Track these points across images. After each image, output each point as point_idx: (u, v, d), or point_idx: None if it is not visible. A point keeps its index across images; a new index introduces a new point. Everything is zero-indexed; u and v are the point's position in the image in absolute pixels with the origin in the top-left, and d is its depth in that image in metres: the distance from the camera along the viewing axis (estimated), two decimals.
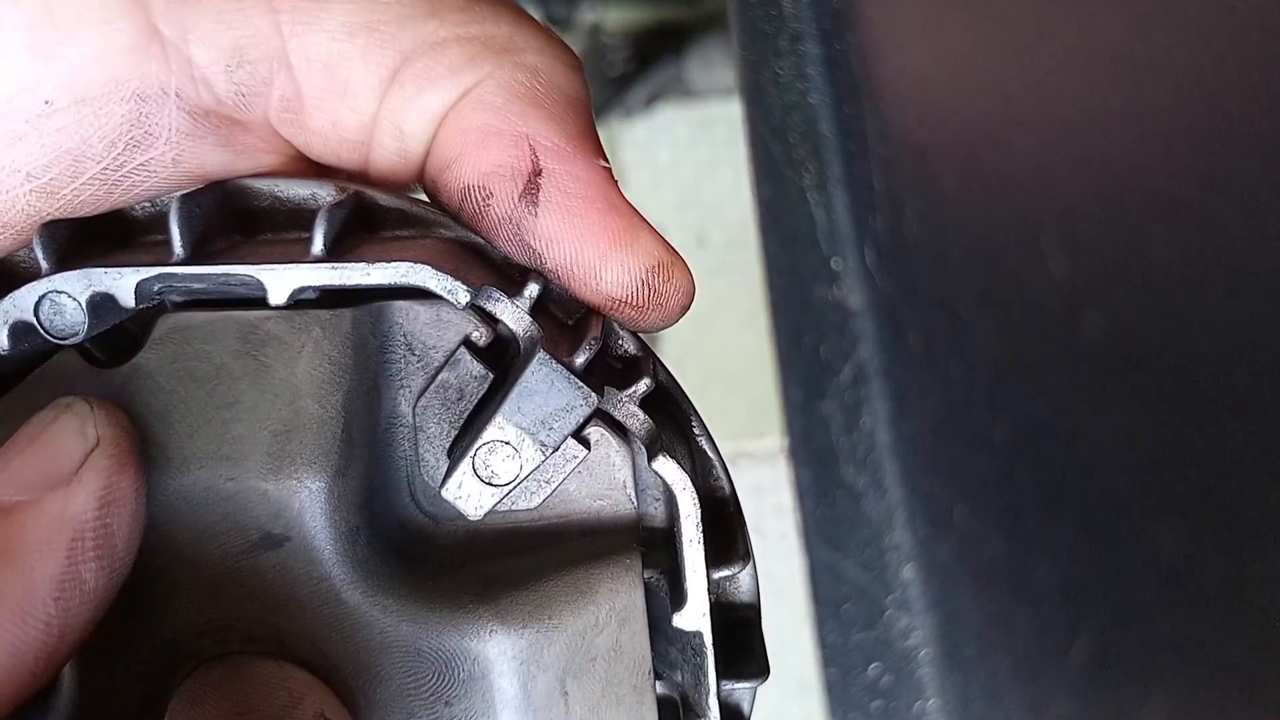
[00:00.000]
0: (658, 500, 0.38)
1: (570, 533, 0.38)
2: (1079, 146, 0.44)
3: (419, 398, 0.37)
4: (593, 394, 0.34)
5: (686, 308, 0.37)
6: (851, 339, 0.42)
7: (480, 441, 0.35)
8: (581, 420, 0.35)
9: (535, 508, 0.37)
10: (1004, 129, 0.43)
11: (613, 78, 1.79)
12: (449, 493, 0.36)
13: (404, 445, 0.37)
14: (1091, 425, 0.47)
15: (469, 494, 0.36)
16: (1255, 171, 0.41)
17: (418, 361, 0.37)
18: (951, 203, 0.43)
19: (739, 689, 0.39)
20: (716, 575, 0.38)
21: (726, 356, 1.65)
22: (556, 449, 0.35)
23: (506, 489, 0.36)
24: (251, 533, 0.35)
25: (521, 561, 0.38)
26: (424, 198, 0.38)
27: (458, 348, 0.36)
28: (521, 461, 0.35)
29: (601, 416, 0.36)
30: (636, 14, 1.81)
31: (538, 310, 0.35)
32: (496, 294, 0.35)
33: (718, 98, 1.76)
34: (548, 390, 0.35)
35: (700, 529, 0.36)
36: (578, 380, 0.34)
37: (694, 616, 0.37)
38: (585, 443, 0.36)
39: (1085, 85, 0.44)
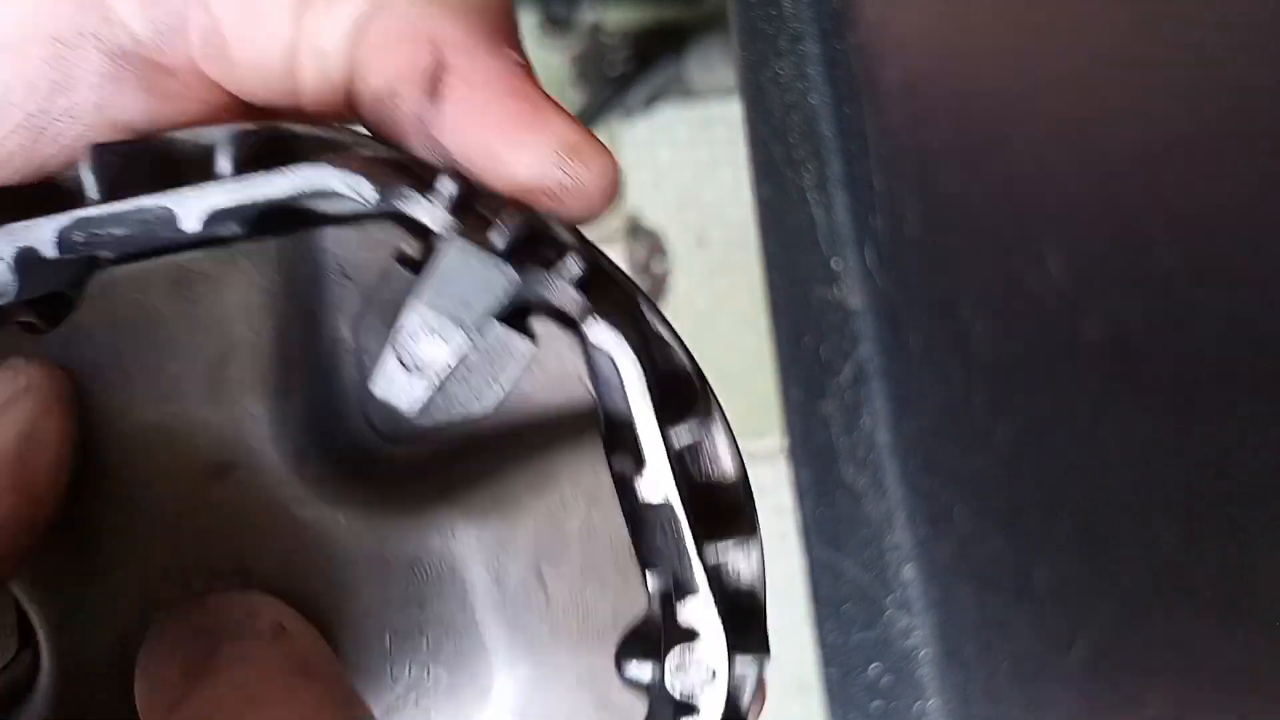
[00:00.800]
0: (621, 390, 0.37)
1: (530, 430, 0.37)
2: (1081, 146, 0.44)
3: (358, 320, 0.36)
4: (510, 268, 0.34)
5: (610, 194, 0.36)
6: (851, 339, 0.42)
7: (400, 329, 0.35)
8: (503, 296, 0.34)
9: (490, 411, 0.37)
10: (1005, 129, 0.43)
11: (613, 78, 1.79)
12: (379, 389, 0.35)
13: (350, 369, 0.37)
14: (1092, 425, 0.47)
15: (399, 387, 0.35)
16: (1258, 172, 0.41)
17: (353, 284, 0.36)
18: (952, 203, 0.43)
19: (727, 548, 0.38)
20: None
21: (726, 356, 1.65)
22: (480, 330, 0.34)
23: (436, 377, 0.35)
24: (198, 466, 0.35)
25: (481, 461, 0.37)
26: (358, 129, 0.38)
27: (390, 263, 0.35)
28: (447, 346, 0.35)
29: (544, 309, 0.36)
30: (636, 14, 1.81)
31: (462, 211, 0.35)
32: (408, 191, 0.34)
33: (718, 98, 1.76)
34: (463, 269, 0.34)
35: (646, 386, 0.36)
36: (495, 258, 0.34)
37: (656, 483, 0.36)
38: (530, 335, 0.36)
39: (1088, 85, 0.44)
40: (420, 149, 0.35)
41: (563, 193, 0.35)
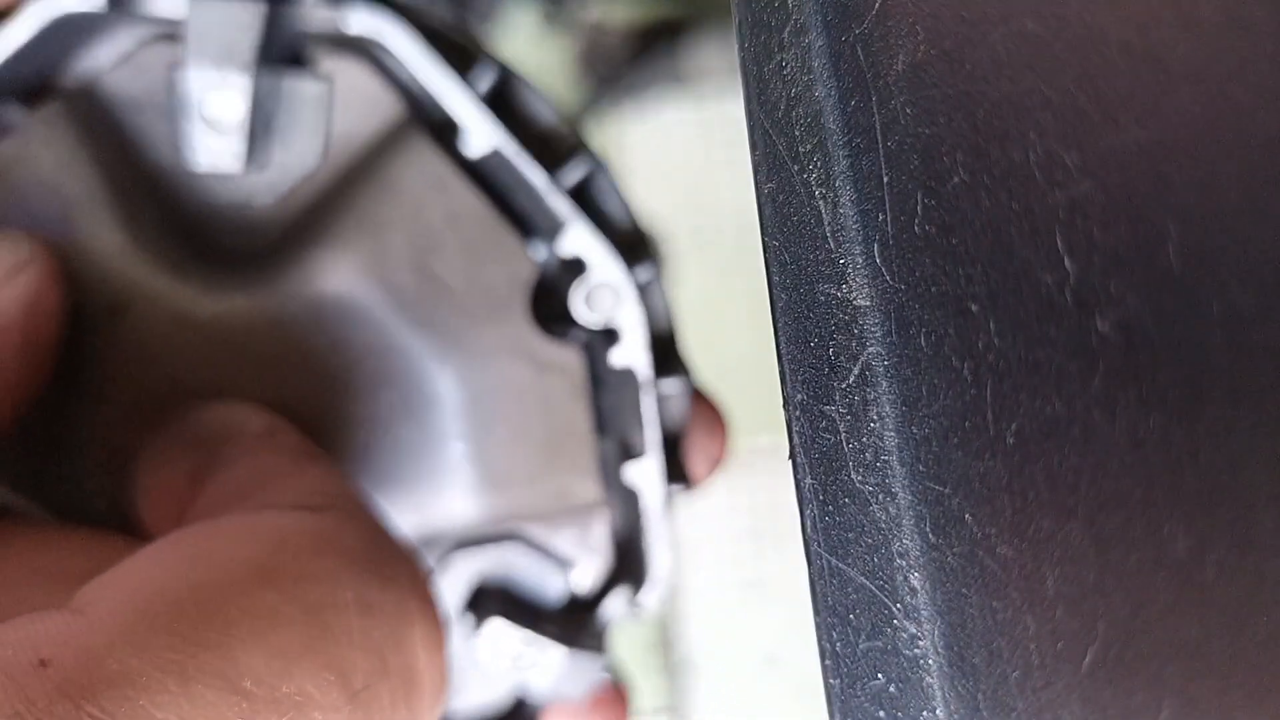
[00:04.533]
0: (407, 70, 0.39)
1: (366, 160, 0.39)
2: (1092, 140, 0.43)
3: (173, 138, 0.39)
4: (256, 3, 0.36)
5: None
6: (859, 338, 0.40)
7: (187, 101, 0.37)
8: (259, 26, 0.36)
9: (321, 160, 0.39)
10: (1015, 122, 0.42)
11: (614, 75, 1.78)
12: (201, 164, 0.37)
13: (191, 187, 0.40)
14: (1102, 425, 0.46)
15: (215, 153, 0.37)
16: (1271, 166, 0.40)
17: (151, 113, 0.39)
18: (960, 197, 0.42)
19: (575, 171, 0.40)
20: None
21: (727, 357, 1.64)
22: (258, 64, 0.36)
23: (240, 128, 0.37)
24: (99, 314, 0.37)
25: (335, 205, 0.39)
26: None
27: (170, 78, 0.38)
28: (233, 93, 0.36)
29: (324, 45, 0.38)
30: (638, 11, 1.80)
31: None
32: None
33: (719, 97, 1.75)
34: (213, 19, 0.36)
35: (423, 44, 0.37)
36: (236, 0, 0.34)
37: (479, 135, 0.39)
38: (324, 76, 0.38)
39: (1098, 78, 0.43)
40: None
41: None
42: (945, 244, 0.40)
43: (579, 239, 0.40)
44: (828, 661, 0.44)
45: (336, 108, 0.39)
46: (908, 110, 0.42)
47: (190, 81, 0.36)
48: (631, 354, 0.41)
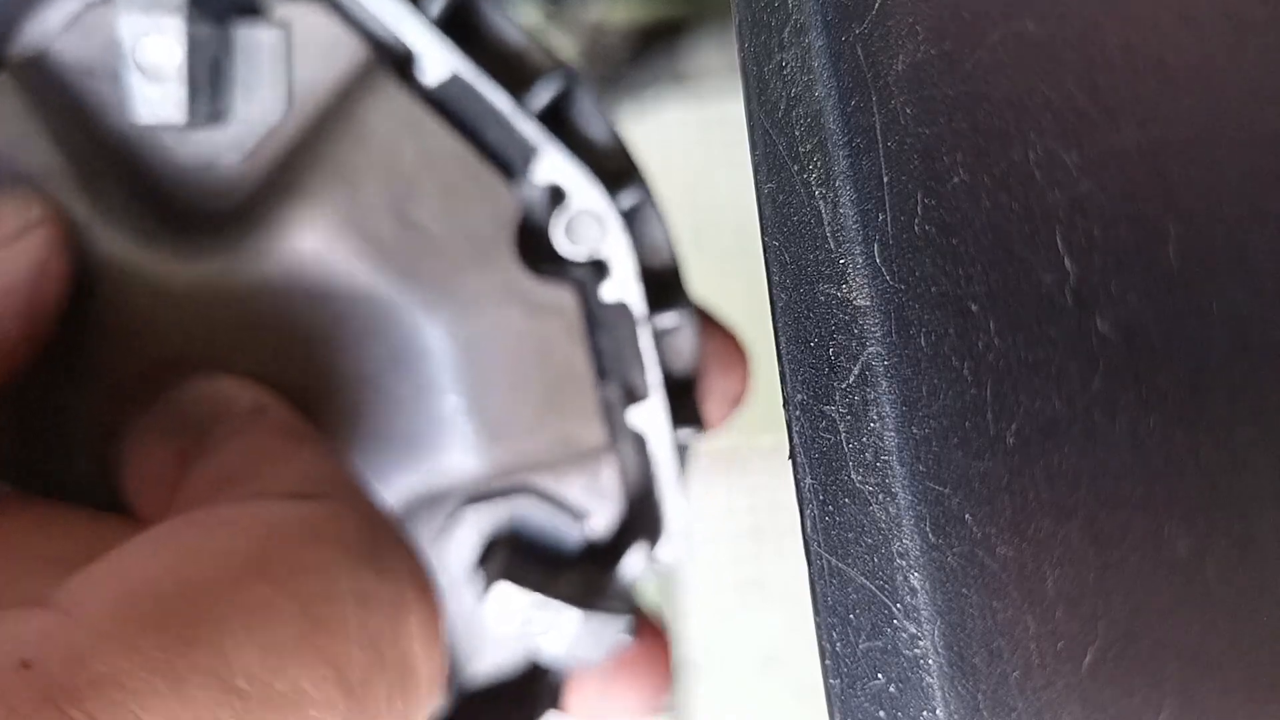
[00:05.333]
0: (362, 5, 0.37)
1: (331, 107, 0.38)
2: (1092, 140, 0.43)
3: (124, 100, 0.37)
4: None
5: None
6: (859, 338, 0.40)
7: (122, 48, 0.35)
8: None
9: (285, 111, 0.37)
10: (1015, 122, 0.42)
11: (613, 75, 1.78)
12: (145, 117, 0.36)
13: (154, 151, 0.38)
14: (1103, 424, 0.46)
15: (156, 102, 0.36)
16: (1271, 166, 0.40)
17: (104, 79, 0.37)
18: (960, 198, 0.42)
19: (542, 94, 0.38)
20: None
21: None
22: (197, 6, 0.35)
23: (180, 72, 0.35)
24: (75, 292, 0.36)
25: (304, 158, 0.38)
26: None
27: (121, 42, 0.36)
28: (169, 37, 0.35)
29: None
30: (638, 10, 1.80)
31: None
32: None
33: (718, 97, 1.75)
34: None
35: None
36: None
37: (434, 62, 0.37)
38: (279, 24, 0.37)
39: (1098, 78, 0.43)
40: None
41: None
42: (945, 244, 0.40)
43: (553, 165, 0.39)
44: (828, 661, 0.44)
45: (296, 56, 0.38)
46: (908, 110, 0.42)
47: (122, 30, 0.35)
48: (622, 287, 0.39)
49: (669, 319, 0.41)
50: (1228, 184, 0.41)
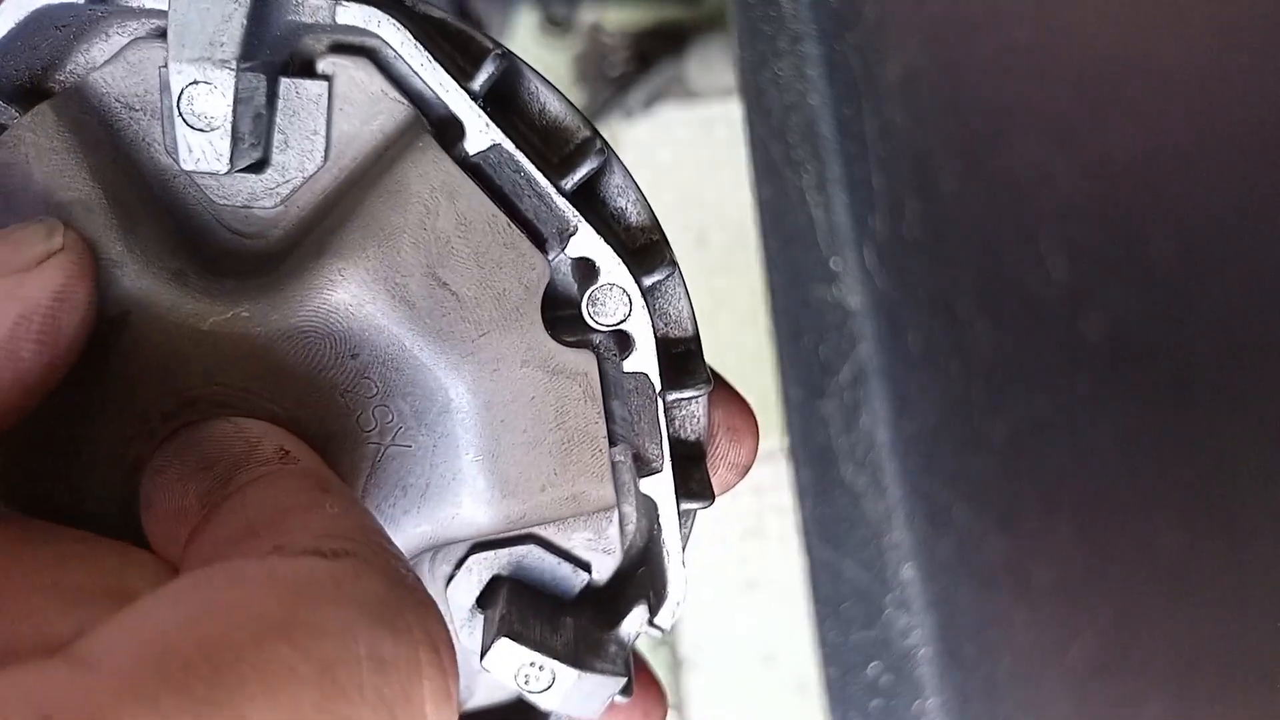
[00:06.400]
0: (410, 68, 0.37)
1: (369, 162, 0.38)
2: (1078, 146, 0.44)
3: (165, 140, 0.37)
4: None
5: None
6: (851, 339, 0.42)
7: (172, 97, 0.35)
8: (244, 20, 0.35)
9: (323, 163, 0.38)
10: (1004, 128, 0.43)
11: (613, 78, 1.78)
12: (186, 161, 0.36)
13: (189, 190, 0.38)
14: (1090, 424, 0.47)
15: (200, 150, 0.36)
16: (1254, 170, 0.41)
17: (144, 114, 0.37)
18: (951, 203, 0.43)
19: (582, 176, 0.39)
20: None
21: (726, 356, 1.64)
22: (241, 60, 0.35)
23: (226, 124, 0.36)
24: (101, 325, 0.36)
25: (339, 211, 0.38)
26: None
27: (160, 76, 0.36)
28: (218, 89, 0.35)
29: (326, 50, 0.37)
30: (637, 14, 1.81)
31: None
32: None
33: (718, 98, 1.76)
34: (195, 11, 0.35)
35: (417, 41, 0.36)
36: None
37: (478, 132, 0.37)
38: (322, 77, 0.37)
39: (1087, 85, 0.44)
40: None
41: None
42: (935, 247, 0.42)
43: (587, 241, 0.40)
44: (823, 651, 0.45)
45: (339, 108, 0.38)
46: (900, 117, 0.43)
47: (174, 79, 0.35)
48: (644, 361, 0.40)
49: (688, 392, 0.41)
50: (1214, 188, 0.42)
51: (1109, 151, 0.44)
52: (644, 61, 1.76)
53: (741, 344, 1.61)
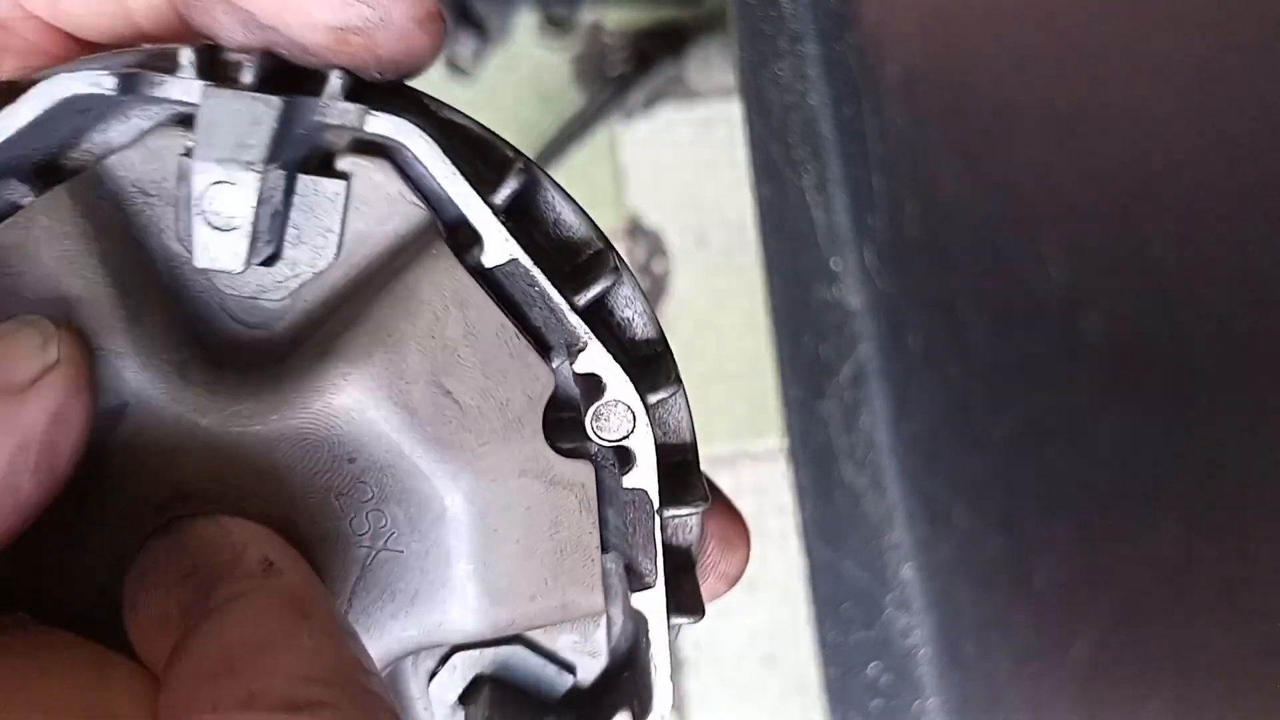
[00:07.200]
0: (430, 175, 0.37)
1: (379, 264, 0.38)
2: (1079, 147, 0.44)
3: (179, 229, 0.37)
4: (269, 96, 0.34)
5: (430, 26, 0.36)
6: (851, 339, 0.42)
7: (194, 195, 0.35)
8: (273, 124, 0.34)
9: (334, 260, 0.37)
10: (1003, 129, 0.43)
11: (613, 78, 1.79)
12: (202, 261, 0.36)
13: (197, 279, 0.37)
14: (1090, 425, 0.47)
15: (217, 250, 0.36)
16: (1255, 170, 0.41)
17: (158, 200, 0.37)
18: (951, 203, 0.43)
19: (596, 291, 0.38)
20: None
21: (726, 356, 1.65)
22: (267, 162, 0.35)
23: (247, 225, 0.35)
24: (100, 418, 0.36)
25: (347, 311, 0.38)
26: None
27: (180, 165, 0.36)
28: (242, 191, 0.35)
29: (347, 148, 0.36)
30: (636, 14, 1.81)
31: (211, 70, 0.35)
32: (153, 75, 0.35)
33: (718, 98, 1.76)
34: (224, 113, 0.35)
35: (443, 153, 0.36)
36: (251, 92, 0.34)
37: (496, 246, 0.36)
38: (340, 175, 0.37)
39: (1085, 85, 0.44)
40: (229, 32, 0.36)
41: (370, 29, 0.35)
42: (935, 248, 0.42)
43: (595, 358, 0.39)
44: (823, 651, 0.45)
45: (355, 207, 0.37)
46: (900, 117, 0.43)
47: (197, 178, 0.35)
48: (644, 477, 0.40)
49: (684, 510, 0.41)
50: (1214, 189, 0.42)
51: (1109, 151, 0.44)
52: (644, 61, 1.76)
53: (741, 344, 1.61)
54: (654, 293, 1.82)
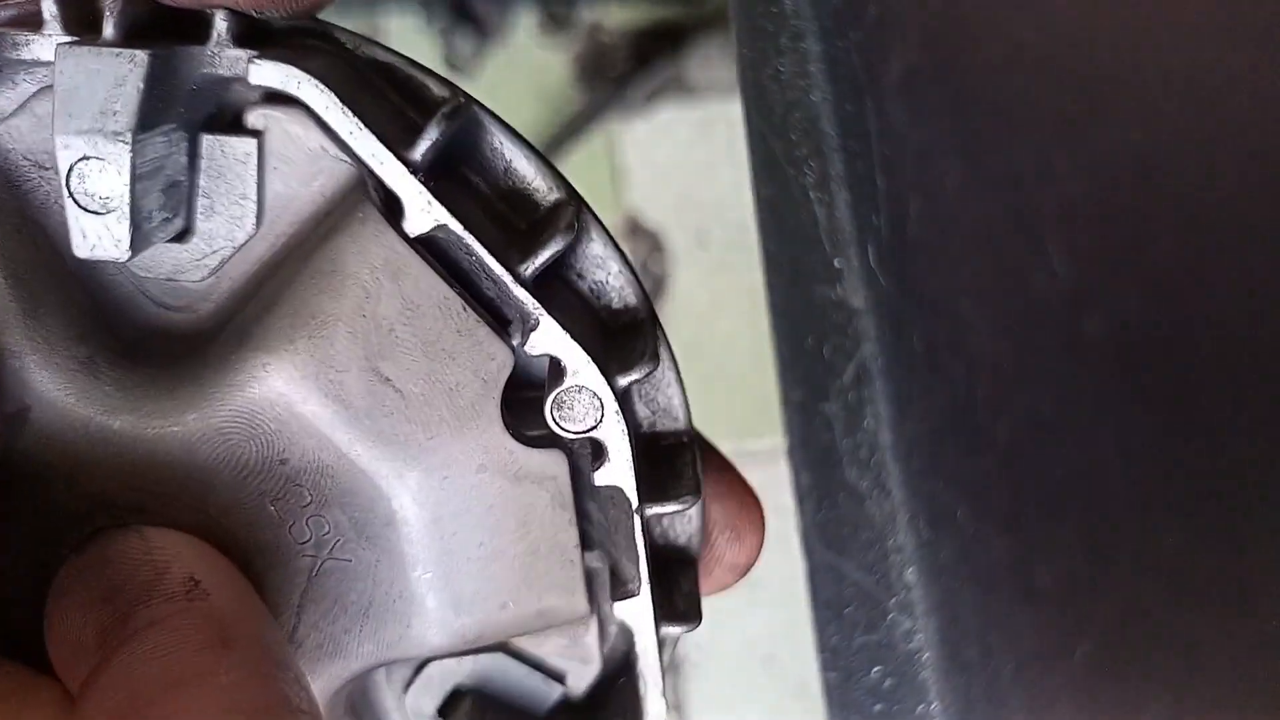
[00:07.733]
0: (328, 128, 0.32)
1: (306, 231, 0.33)
2: (1081, 145, 0.43)
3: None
4: (135, 52, 0.29)
5: None
6: (854, 339, 0.41)
7: (61, 174, 0.30)
8: (141, 84, 0.29)
9: (255, 230, 0.33)
10: (1008, 126, 0.43)
11: (613, 77, 1.78)
12: (81, 249, 0.31)
13: (103, 265, 0.33)
14: (1093, 425, 0.46)
15: (97, 236, 0.31)
16: (1257, 169, 0.41)
17: (55, 173, 0.32)
18: (955, 201, 0.43)
19: (546, 256, 0.33)
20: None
21: (726, 356, 1.64)
22: (143, 129, 0.30)
23: (127, 206, 0.30)
24: (0, 424, 0.32)
25: (271, 289, 0.33)
26: None
27: (57, 168, 0.31)
28: (113, 166, 0.30)
29: (257, 101, 0.32)
30: (636, 13, 1.80)
31: (74, 25, 0.31)
32: (20, 36, 0.31)
33: (718, 97, 1.76)
34: (83, 76, 0.29)
35: (342, 105, 0.31)
36: (112, 49, 0.29)
37: (420, 211, 0.31)
38: (251, 132, 0.32)
39: (1089, 83, 0.43)
40: None
41: None
42: (938, 247, 0.41)
43: (549, 336, 0.33)
44: (825, 655, 0.45)
45: (272, 167, 0.32)
46: (902, 115, 0.42)
47: (61, 153, 0.29)
48: (617, 473, 0.34)
49: (669, 507, 0.36)
50: (1217, 188, 0.41)
51: (1112, 150, 0.44)
52: (643, 61, 1.76)
53: (741, 344, 1.61)
54: (654, 293, 1.82)
